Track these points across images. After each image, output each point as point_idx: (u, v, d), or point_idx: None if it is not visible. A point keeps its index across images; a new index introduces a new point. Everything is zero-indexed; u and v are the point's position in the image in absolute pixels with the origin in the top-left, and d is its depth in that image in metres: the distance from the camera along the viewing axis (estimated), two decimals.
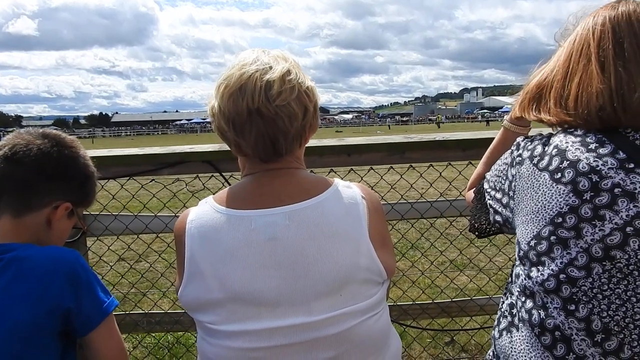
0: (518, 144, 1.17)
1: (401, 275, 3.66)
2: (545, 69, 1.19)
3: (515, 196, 1.13)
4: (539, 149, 1.10)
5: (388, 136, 2.43)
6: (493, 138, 2.20)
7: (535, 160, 1.09)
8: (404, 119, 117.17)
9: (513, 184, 1.14)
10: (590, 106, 1.06)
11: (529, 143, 1.14)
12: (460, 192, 2.55)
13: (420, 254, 4.06)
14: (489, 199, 1.24)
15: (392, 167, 2.28)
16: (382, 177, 2.37)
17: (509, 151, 1.20)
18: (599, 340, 0.96)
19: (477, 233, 1.33)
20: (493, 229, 1.26)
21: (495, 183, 1.22)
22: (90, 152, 2.27)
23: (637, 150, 0.99)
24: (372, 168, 2.30)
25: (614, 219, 0.96)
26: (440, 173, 2.38)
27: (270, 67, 1.12)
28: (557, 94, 1.13)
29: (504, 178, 1.18)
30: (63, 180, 1.29)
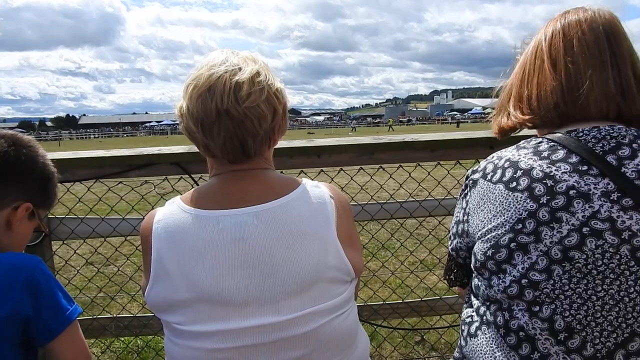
0: (467, 175, 1.22)
1: (372, 276, 3.69)
2: (505, 85, 1.25)
3: (469, 218, 1.17)
4: (490, 166, 1.14)
5: (358, 137, 2.45)
6: (461, 139, 2.24)
7: (488, 177, 1.13)
8: (376, 120, 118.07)
9: (466, 209, 1.18)
10: (548, 104, 1.11)
11: (477, 166, 1.19)
12: (429, 193, 2.59)
13: (391, 254, 4.09)
14: (455, 243, 1.26)
15: (362, 168, 2.30)
16: (352, 178, 2.39)
17: (461, 189, 1.24)
18: (562, 339, 0.98)
19: (450, 282, 1.36)
20: (464, 272, 1.29)
21: (454, 226, 1.26)
22: (56, 155, 2.24)
23: (590, 152, 1.02)
24: (342, 169, 2.31)
25: (570, 220, 0.98)
26: (410, 174, 2.41)
27: (240, 69, 1.11)
28: (515, 98, 1.19)
29: (459, 210, 1.23)
30: (22, 180, 1.25)
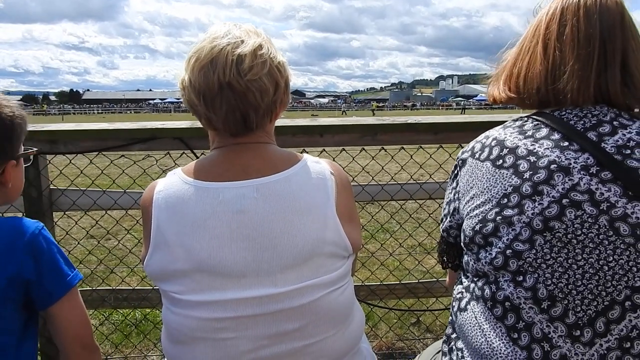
0: (457, 157, 1.25)
1: (370, 257, 3.71)
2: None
3: (459, 197, 1.20)
4: (478, 145, 1.19)
5: (361, 118, 2.44)
6: (465, 122, 2.24)
7: (476, 155, 1.17)
8: (380, 104, 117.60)
9: (457, 188, 1.22)
10: (532, 87, 1.14)
11: (466, 147, 1.23)
12: (430, 175, 2.59)
13: (390, 236, 4.10)
14: (446, 223, 1.29)
15: (364, 149, 2.30)
16: (353, 158, 2.39)
17: (452, 170, 1.27)
18: (545, 307, 1.02)
19: (443, 264, 1.38)
20: (456, 253, 1.32)
21: (445, 207, 1.29)
22: (60, 126, 2.25)
23: (571, 129, 1.06)
24: (344, 149, 2.31)
25: (551, 193, 1.02)
26: (412, 156, 2.41)
27: (242, 41, 1.11)
28: (507, 73, 1.21)
29: (450, 190, 1.26)
30: (6, 144, 1.22)
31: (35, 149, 1.35)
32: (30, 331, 1.24)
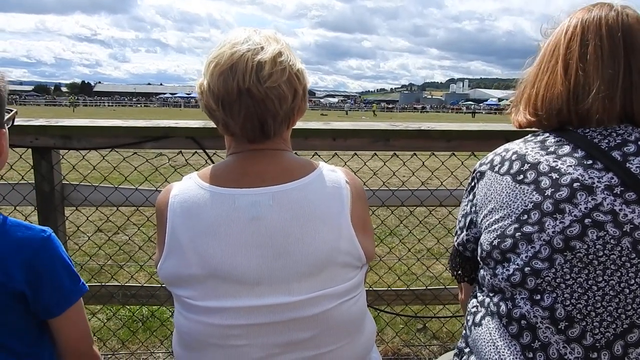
0: (474, 169, 1.23)
1: (378, 261, 3.70)
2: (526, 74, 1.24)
3: (477, 209, 1.18)
4: (497, 158, 1.17)
5: (373, 122, 2.44)
6: (479, 131, 2.23)
7: (496, 168, 1.15)
8: (390, 106, 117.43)
9: (474, 200, 1.20)
10: (551, 108, 1.12)
11: (484, 159, 1.21)
12: (442, 182, 2.58)
13: (399, 241, 4.10)
14: (462, 236, 1.27)
15: (376, 154, 2.30)
16: (365, 163, 2.39)
17: (468, 182, 1.25)
18: (563, 328, 1.00)
19: (459, 278, 1.36)
20: (472, 266, 1.30)
21: (461, 220, 1.27)
22: (74, 122, 2.25)
23: (595, 147, 1.04)
24: (356, 153, 2.31)
25: (573, 212, 1.00)
26: (423, 162, 2.40)
27: (262, 48, 1.11)
28: (527, 96, 1.19)
29: (467, 202, 1.24)
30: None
31: (15, 110, 1.27)
32: (46, 338, 1.23)
